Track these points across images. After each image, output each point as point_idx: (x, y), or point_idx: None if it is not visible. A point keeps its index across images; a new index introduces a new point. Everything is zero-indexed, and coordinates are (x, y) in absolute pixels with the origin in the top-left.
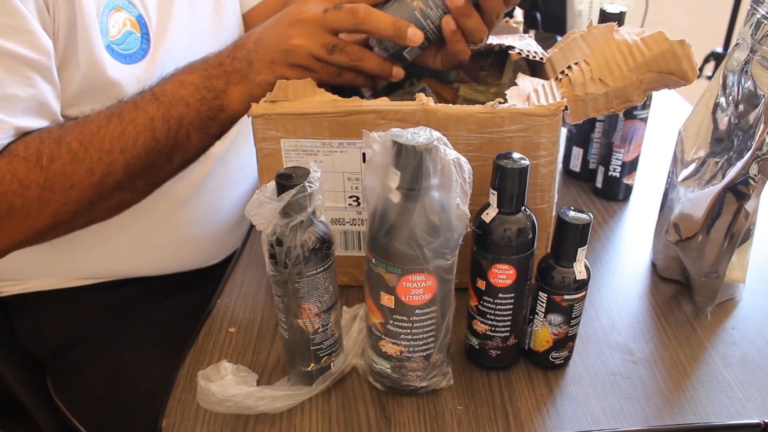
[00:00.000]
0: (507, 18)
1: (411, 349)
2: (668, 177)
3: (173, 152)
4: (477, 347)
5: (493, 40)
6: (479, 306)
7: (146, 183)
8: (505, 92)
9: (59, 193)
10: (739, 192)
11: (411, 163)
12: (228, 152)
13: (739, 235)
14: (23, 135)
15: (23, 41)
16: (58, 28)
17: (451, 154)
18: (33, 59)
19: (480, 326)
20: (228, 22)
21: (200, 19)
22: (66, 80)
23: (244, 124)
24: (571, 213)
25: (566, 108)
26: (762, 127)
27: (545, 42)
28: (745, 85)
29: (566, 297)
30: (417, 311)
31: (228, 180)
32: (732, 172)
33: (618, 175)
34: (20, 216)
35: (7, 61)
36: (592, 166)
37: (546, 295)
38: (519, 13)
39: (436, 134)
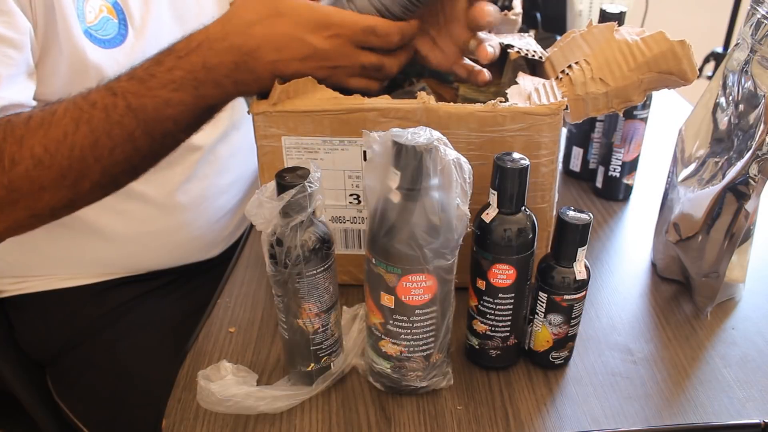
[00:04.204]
0: (505, 11)
1: (411, 349)
2: (668, 177)
3: (159, 154)
4: (477, 347)
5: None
6: (479, 306)
7: (129, 178)
8: (506, 91)
9: (28, 194)
10: (739, 192)
11: (411, 163)
12: (218, 142)
13: (739, 235)
14: None
15: (3, 22)
16: (36, 14)
17: (451, 154)
18: (13, 38)
19: (480, 326)
20: (213, 2)
21: (183, 2)
22: (51, 66)
23: (236, 116)
24: (571, 213)
25: (566, 107)
26: (762, 127)
27: (545, 42)
28: (745, 85)
29: (566, 297)
30: (417, 311)
31: (218, 167)
32: (732, 172)
33: (618, 175)
34: None
35: None
36: (592, 166)
37: (546, 295)
38: (518, 4)
39: (436, 134)
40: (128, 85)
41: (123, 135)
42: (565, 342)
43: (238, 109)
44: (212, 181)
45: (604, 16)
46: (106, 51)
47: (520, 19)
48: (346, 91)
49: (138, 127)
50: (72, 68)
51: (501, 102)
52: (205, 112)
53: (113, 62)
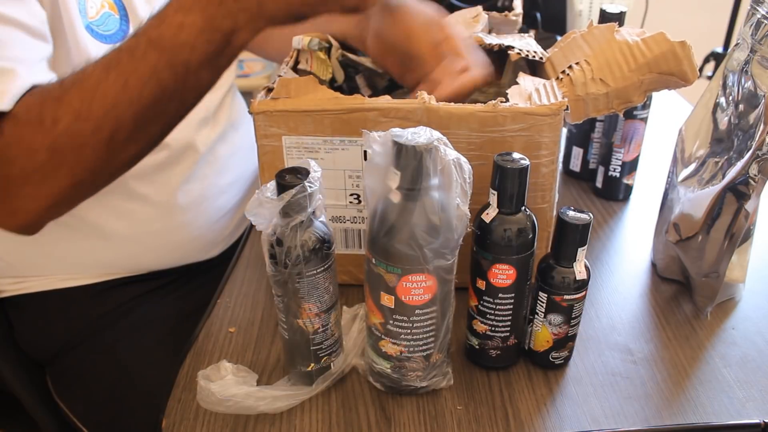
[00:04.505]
0: (505, 12)
1: (411, 349)
2: (668, 177)
3: (185, 94)
4: (477, 347)
5: (493, 39)
6: (479, 306)
7: (160, 129)
8: (507, 91)
9: (70, 154)
10: (739, 192)
11: (411, 163)
12: (217, 142)
13: (739, 235)
14: (26, 96)
15: (24, 10)
16: (44, 5)
17: (451, 154)
18: (34, 26)
19: (480, 326)
20: None
21: None
22: (57, 59)
23: (235, 116)
24: (571, 213)
25: (567, 108)
26: (762, 127)
27: (545, 42)
28: (745, 85)
29: (566, 297)
30: (417, 311)
31: (217, 168)
32: (732, 172)
33: (618, 175)
34: (36, 180)
35: (9, 27)
36: (592, 166)
37: (546, 295)
38: (518, 5)
39: (436, 134)
40: (147, 24)
41: (148, 70)
42: (565, 342)
43: (236, 109)
44: (212, 181)
45: (604, 17)
46: (109, 47)
47: (520, 20)
48: (347, 91)
49: (160, 58)
50: (75, 63)
51: (501, 102)
52: (220, 43)
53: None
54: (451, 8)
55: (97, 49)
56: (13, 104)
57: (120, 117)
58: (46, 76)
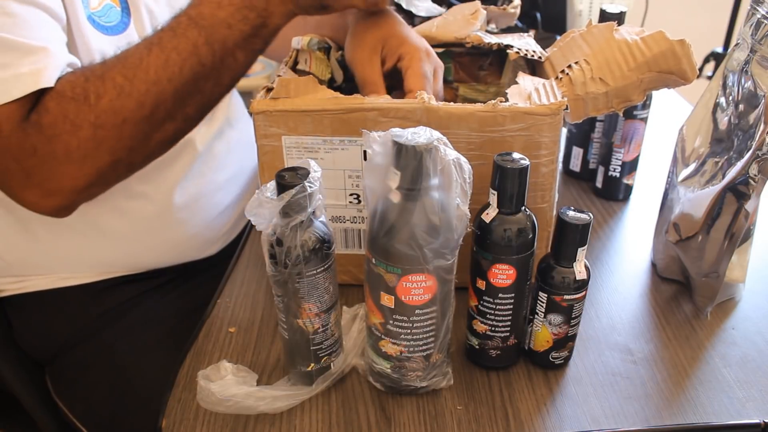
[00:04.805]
0: (504, 6)
1: (411, 349)
2: (668, 177)
3: (221, 73)
4: (477, 347)
5: (492, 39)
6: (479, 306)
7: (197, 109)
8: (506, 91)
9: (112, 130)
10: (739, 192)
11: (411, 163)
12: (214, 139)
13: (739, 235)
14: (67, 74)
15: None
16: None
17: (451, 154)
18: (52, 8)
19: (480, 326)
20: None
21: None
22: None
23: (231, 114)
24: (571, 213)
25: (566, 107)
26: (762, 127)
27: (545, 42)
28: (745, 85)
29: (566, 297)
30: (417, 311)
31: (215, 165)
32: (732, 172)
33: (618, 175)
34: (78, 157)
35: (34, 7)
36: (592, 166)
37: (546, 295)
38: None
39: (436, 134)
40: (188, 4)
41: (188, 48)
42: (565, 342)
43: (233, 106)
44: (209, 178)
45: (604, 16)
46: (109, 38)
47: (518, 12)
48: (347, 91)
49: (200, 35)
50: (78, 53)
51: (501, 102)
52: (255, 23)
53: (115, 48)
54: (450, 4)
55: (98, 41)
56: (55, 80)
57: (161, 93)
58: (72, 58)
